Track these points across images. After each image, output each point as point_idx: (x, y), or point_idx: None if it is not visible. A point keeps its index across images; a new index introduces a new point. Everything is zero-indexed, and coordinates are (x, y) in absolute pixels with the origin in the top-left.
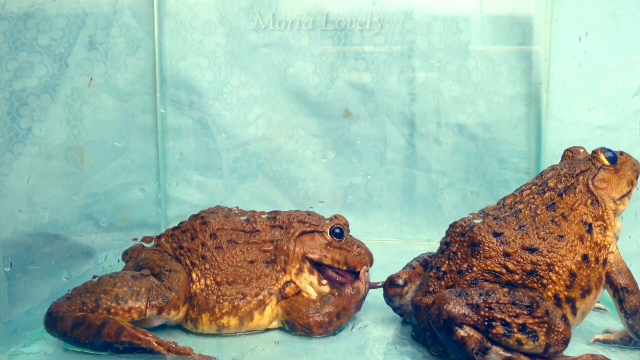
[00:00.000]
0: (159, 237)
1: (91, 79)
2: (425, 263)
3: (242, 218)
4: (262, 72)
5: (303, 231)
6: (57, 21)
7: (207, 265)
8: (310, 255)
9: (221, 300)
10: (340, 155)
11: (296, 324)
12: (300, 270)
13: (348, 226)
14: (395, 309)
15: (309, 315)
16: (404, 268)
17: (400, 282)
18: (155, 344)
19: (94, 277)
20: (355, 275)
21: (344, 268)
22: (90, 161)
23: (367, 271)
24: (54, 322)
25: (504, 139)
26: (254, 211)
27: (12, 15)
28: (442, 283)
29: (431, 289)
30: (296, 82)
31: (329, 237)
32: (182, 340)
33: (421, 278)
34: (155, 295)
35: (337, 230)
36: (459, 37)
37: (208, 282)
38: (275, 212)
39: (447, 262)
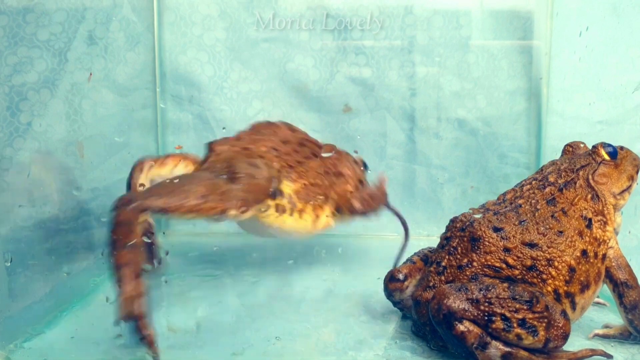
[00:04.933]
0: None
1: (91, 74)
2: (426, 258)
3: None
4: (262, 67)
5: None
6: (56, 16)
7: (302, 169)
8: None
9: (314, 196)
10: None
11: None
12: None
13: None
14: (395, 304)
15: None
16: (405, 263)
17: (401, 276)
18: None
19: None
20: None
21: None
22: (90, 156)
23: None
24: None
25: (504, 134)
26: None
27: (11, 10)
28: (442, 278)
29: (431, 283)
30: (296, 77)
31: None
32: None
33: (421, 273)
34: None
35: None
36: (460, 31)
37: (306, 182)
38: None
39: (447, 257)
